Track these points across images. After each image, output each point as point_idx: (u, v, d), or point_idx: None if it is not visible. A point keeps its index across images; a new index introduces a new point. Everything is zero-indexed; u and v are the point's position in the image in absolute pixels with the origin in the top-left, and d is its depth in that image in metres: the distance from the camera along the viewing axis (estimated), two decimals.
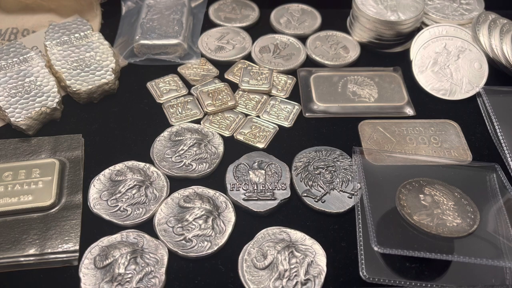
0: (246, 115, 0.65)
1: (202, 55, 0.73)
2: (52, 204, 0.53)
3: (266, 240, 0.51)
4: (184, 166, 0.58)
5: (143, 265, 0.48)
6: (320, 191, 0.56)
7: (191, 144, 0.59)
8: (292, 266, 0.48)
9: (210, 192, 0.55)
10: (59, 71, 0.64)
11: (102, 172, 0.57)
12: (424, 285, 0.48)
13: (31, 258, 0.49)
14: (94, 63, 0.66)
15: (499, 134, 0.62)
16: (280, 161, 0.58)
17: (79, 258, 0.50)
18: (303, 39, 0.76)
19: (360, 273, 0.48)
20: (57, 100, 0.61)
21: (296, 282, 0.48)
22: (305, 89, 0.68)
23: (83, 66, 0.65)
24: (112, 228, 0.52)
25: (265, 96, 0.67)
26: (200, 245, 0.51)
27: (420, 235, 0.49)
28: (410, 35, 0.74)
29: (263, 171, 0.57)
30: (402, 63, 0.73)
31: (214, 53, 0.73)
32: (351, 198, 0.55)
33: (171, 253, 0.50)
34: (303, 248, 0.50)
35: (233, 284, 0.49)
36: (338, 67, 0.72)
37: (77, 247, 0.50)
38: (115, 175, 0.56)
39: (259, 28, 0.79)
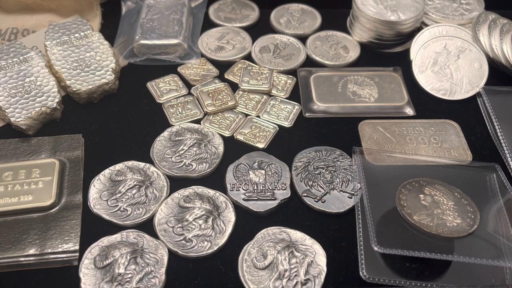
0: (246, 115, 0.65)
1: (202, 55, 0.73)
2: (52, 204, 0.53)
3: (266, 240, 0.51)
4: (184, 166, 0.58)
5: (143, 265, 0.48)
6: (320, 191, 0.56)
7: (191, 144, 0.59)
8: (292, 266, 0.48)
9: (210, 192, 0.55)
10: (59, 71, 0.64)
11: (102, 172, 0.57)
12: (424, 285, 0.48)
13: (31, 258, 0.49)
14: (94, 63, 0.66)
15: (499, 134, 0.62)
16: (280, 161, 0.58)
17: (79, 258, 0.50)
18: (303, 39, 0.76)
19: (360, 273, 0.48)
20: (57, 100, 0.61)
21: (296, 282, 0.48)
22: (305, 89, 0.68)
23: (83, 66, 0.65)
24: (112, 228, 0.52)
25: (265, 96, 0.67)
26: (200, 245, 0.51)
27: (420, 235, 0.49)
28: (410, 35, 0.74)
29: (263, 171, 0.57)
30: (402, 63, 0.73)
31: (214, 53, 0.73)
32: (351, 198, 0.55)
33: (171, 253, 0.50)
34: (303, 248, 0.50)
35: (233, 284, 0.49)
36: (338, 67, 0.72)
37: (77, 247, 0.50)
38: (115, 175, 0.56)
39: (259, 28, 0.79)
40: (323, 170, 0.58)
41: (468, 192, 0.53)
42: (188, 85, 0.69)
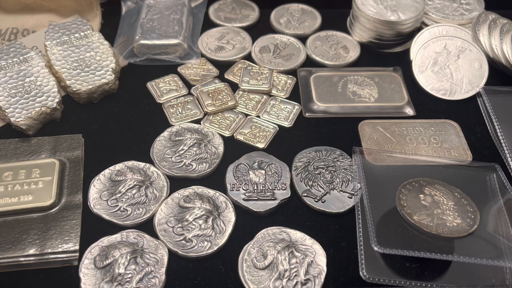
0: (246, 115, 0.65)
1: (202, 55, 0.73)
2: (52, 204, 0.53)
3: (266, 240, 0.51)
4: (184, 166, 0.58)
5: (143, 265, 0.48)
6: (320, 191, 0.56)
7: (191, 144, 0.59)
8: (292, 266, 0.48)
9: (210, 192, 0.55)
10: (59, 71, 0.64)
11: (102, 172, 0.57)
12: (424, 285, 0.48)
13: (31, 258, 0.49)
14: (94, 63, 0.66)
15: (499, 134, 0.62)
16: (280, 161, 0.58)
17: (79, 258, 0.50)
18: (303, 39, 0.76)
19: (360, 273, 0.48)
20: (57, 100, 0.61)
21: (296, 282, 0.48)
22: (305, 89, 0.68)
23: (83, 66, 0.65)
24: (112, 228, 0.52)
25: (265, 96, 0.67)
26: (200, 245, 0.51)
27: (420, 235, 0.49)
28: (410, 35, 0.74)
29: (263, 171, 0.57)
30: (402, 63, 0.73)
31: (214, 53, 0.73)
32: (351, 198, 0.55)
33: (171, 253, 0.50)
34: (303, 248, 0.50)
35: (233, 284, 0.49)
36: (338, 67, 0.72)
37: (77, 247, 0.50)
38: (115, 175, 0.56)
39: (259, 28, 0.79)
40: (323, 170, 0.58)
41: (468, 192, 0.53)
42: (188, 85, 0.69)
